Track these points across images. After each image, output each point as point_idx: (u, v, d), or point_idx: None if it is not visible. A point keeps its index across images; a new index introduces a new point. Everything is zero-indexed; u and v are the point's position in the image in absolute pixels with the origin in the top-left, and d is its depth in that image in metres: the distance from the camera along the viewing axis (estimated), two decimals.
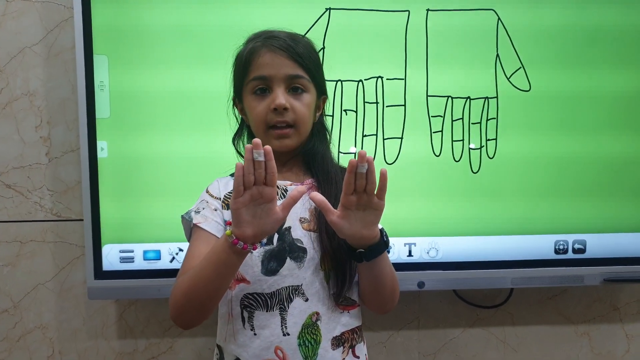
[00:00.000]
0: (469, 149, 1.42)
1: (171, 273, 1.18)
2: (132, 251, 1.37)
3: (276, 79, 0.95)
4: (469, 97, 1.40)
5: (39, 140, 1.45)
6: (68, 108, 1.44)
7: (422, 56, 1.38)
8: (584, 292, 1.64)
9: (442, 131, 1.40)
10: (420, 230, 1.41)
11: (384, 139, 1.39)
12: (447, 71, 1.39)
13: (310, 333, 0.95)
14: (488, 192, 1.42)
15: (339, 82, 1.37)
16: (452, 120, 1.41)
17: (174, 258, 1.37)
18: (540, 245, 1.45)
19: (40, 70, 1.43)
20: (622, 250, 1.47)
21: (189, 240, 1.00)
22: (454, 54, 1.39)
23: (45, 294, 1.50)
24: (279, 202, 0.86)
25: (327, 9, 1.35)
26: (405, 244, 1.42)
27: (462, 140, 1.41)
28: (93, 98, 1.32)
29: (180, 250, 1.36)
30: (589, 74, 1.43)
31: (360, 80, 1.38)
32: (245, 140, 1.07)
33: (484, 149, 1.42)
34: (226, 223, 0.97)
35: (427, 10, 1.37)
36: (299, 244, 0.96)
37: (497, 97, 1.41)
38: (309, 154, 1.02)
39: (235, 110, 1.07)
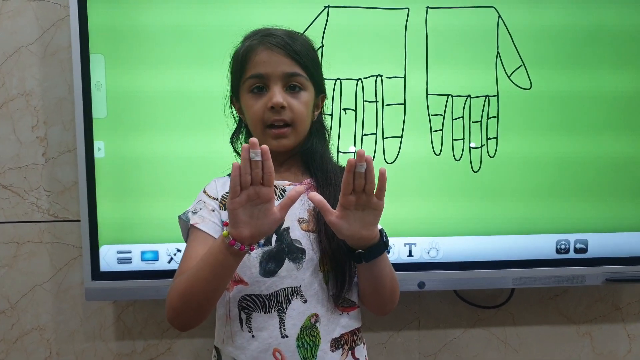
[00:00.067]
0: (470, 148, 1.41)
1: (169, 274, 1.17)
2: (129, 252, 1.36)
3: (273, 77, 0.94)
4: (469, 96, 1.39)
5: (35, 141, 1.44)
6: (65, 108, 1.43)
7: (422, 54, 1.37)
8: (585, 292, 1.63)
9: (442, 130, 1.39)
10: (421, 230, 1.40)
11: (383, 138, 1.38)
12: (447, 69, 1.38)
13: (309, 335, 0.93)
14: (489, 191, 1.41)
15: (338, 81, 1.36)
16: (453, 119, 1.40)
17: (172, 259, 1.36)
18: (542, 244, 1.44)
19: (37, 70, 1.42)
20: (625, 250, 1.46)
21: (186, 241, 0.99)
22: (454, 52, 1.38)
23: (43, 295, 1.49)
24: (277, 203, 0.84)
25: (325, 7, 1.34)
26: (405, 244, 1.41)
27: (463, 139, 1.40)
28: (90, 98, 1.31)
29: (178, 250, 1.35)
30: (592, 73, 1.41)
31: (360, 79, 1.37)
32: (243, 139, 1.06)
33: (484, 147, 1.41)
34: (223, 224, 0.95)
35: (427, 7, 1.36)
36: (297, 245, 0.95)
37: (497, 95, 1.40)
38: (308, 154, 1.01)
39: (233, 109, 1.06)
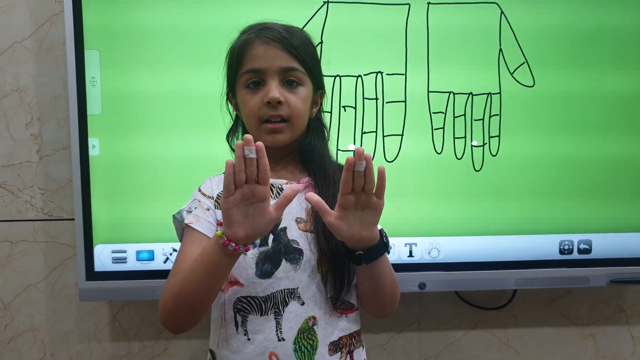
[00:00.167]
0: (471, 146, 1.39)
1: (165, 274, 1.14)
2: (124, 251, 1.34)
3: (270, 71, 0.91)
4: (471, 93, 1.38)
5: (29, 138, 1.42)
6: (59, 105, 1.41)
7: (423, 51, 1.36)
8: (589, 294, 1.61)
9: (443, 128, 1.37)
10: (421, 230, 1.39)
11: (383, 136, 1.36)
12: (449, 66, 1.36)
13: (306, 338, 0.91)
14: (491, 190, 1.40)
15: (338, 78, 1.34)
16: (454, 117, 1.38)
17: (167, 259, 1.34)
18: (545, 245, 1.42)
19: (31, 66, 1.40)
20: (629, 251, 1.44)
21: (180, 241, 0.96)
22: (456, 49, 1.36)
23: (37, 295, 1.47)
24: (273, 202, 0.82)
25: (324, 2, 1.32)
26: (405, 244, 1.39)
27: (464, 137, 1.38)
28: (84, 94, 1.29)
29: (174, 250, 1.33)
30: (595, 73, 1.40)
31: (360, 76, 1.34)
32: (240, 136, 1.04)
33: (486, 146, 1.39)
34: (217, 223, 0.93)
35: (428, 3, 1.34)
36: (294, 245, 0.93)
37: (500, 93, 1.38)
38: (306, 152, 0.98)
39: (229, 105, 1.03)
